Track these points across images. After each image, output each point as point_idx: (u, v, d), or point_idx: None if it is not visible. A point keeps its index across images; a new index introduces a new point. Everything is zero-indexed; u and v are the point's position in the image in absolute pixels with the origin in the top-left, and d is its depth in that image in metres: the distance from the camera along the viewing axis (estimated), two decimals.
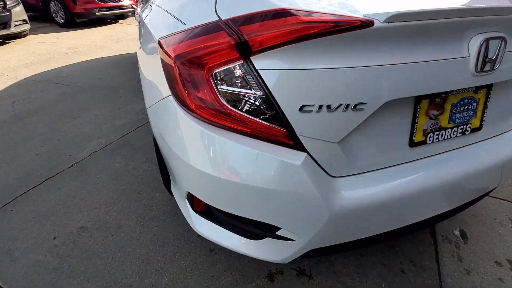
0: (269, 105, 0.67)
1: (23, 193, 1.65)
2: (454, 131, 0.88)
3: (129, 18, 7.86)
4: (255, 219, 0.79)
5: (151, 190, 1.66)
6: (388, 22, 0.61)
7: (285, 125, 0.69)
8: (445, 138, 0.88)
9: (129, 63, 4.02)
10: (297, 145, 0.70)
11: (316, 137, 0.70)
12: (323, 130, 0.69)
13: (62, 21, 6.33)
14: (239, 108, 0.70)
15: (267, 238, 0.84)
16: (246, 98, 0.69)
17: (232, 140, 0.71)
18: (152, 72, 0.98)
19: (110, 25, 6.79)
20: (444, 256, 1.32)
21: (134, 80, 3.41)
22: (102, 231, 1.40)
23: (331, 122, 0.68)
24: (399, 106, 0.77)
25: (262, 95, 0.67)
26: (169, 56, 0.75)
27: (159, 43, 0.84)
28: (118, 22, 7.28)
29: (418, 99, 0.78)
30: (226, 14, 0.72)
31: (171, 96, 0.81)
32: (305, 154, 0.71)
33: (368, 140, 0.78)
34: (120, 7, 6.79)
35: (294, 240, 0.80)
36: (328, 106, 0.66)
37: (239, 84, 0.68)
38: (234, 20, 0.69)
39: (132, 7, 7.15)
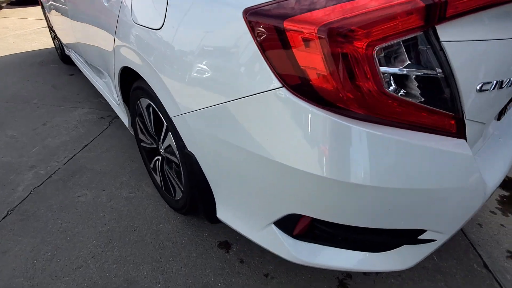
0: (446, 87, 0.54)
1: None
2: None
3: (3, 9, 6.04)
4: (401, 227, 0.66)
5: (150, 223, 1.28)
6: None
7: (456, 109, 0.57)
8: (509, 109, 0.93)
9: (31, 64, 3.07)
10: (459, 132, 0.60)
11: (477, 119, 0.61)
12: (486, 110, 0.60)
13: None
14: (404, 93, 0.54)
15: (404, 245, 0.72)
16: (417, 80, 0.54)
17: (392, 136, 0.55)
18: (215, 61, 0.70)
19: None
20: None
21: (48, 85, 2.63)
22: None
23: (495, 101, 0.60)
24: None
25: (441, 74, 0.53)
26: (299, 32, 0.51)
27: (251, 19, 0.58)
28: None
29: None
30: None
31: (283, 88, 0.58)
32: (464, 140, 0.62)
33: None
34: None
35: (435, 240, 0.71)
36: (501, 83, 0.57)
37: (415, 62, 0.52)
38: None
39: None
